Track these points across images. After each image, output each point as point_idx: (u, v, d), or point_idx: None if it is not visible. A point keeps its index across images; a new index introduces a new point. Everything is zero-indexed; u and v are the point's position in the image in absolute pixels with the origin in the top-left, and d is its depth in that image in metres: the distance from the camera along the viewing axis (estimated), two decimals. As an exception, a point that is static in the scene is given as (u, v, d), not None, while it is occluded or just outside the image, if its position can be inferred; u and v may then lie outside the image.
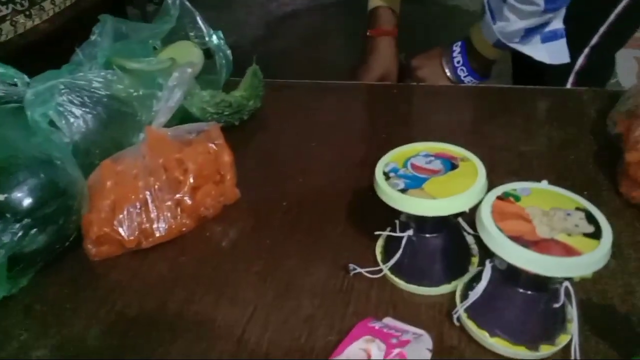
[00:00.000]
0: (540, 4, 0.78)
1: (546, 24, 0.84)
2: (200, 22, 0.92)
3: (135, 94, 0.70)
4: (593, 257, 0.42)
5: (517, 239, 0.44)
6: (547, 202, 0.48)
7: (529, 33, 0.83)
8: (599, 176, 0.68)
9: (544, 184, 0.50)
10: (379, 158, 0.57)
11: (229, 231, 0.66)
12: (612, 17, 0.92)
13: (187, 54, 0.94)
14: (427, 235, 0.54)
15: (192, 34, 0.94)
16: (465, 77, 0.95)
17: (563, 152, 0.73)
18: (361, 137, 0.80)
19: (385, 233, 0.57)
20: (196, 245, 0.64)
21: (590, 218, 0.46)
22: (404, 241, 0.55)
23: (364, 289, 0.57)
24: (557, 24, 0.85)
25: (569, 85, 0.98)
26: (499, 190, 0.49)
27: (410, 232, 0.54)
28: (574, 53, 0.93)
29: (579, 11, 0.88)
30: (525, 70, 0.99)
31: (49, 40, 1.33)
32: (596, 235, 0.44)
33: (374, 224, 0.61)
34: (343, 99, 0.91)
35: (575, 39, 0.92)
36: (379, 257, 0.59)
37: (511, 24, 0.82)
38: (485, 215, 0.46)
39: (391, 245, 0.57)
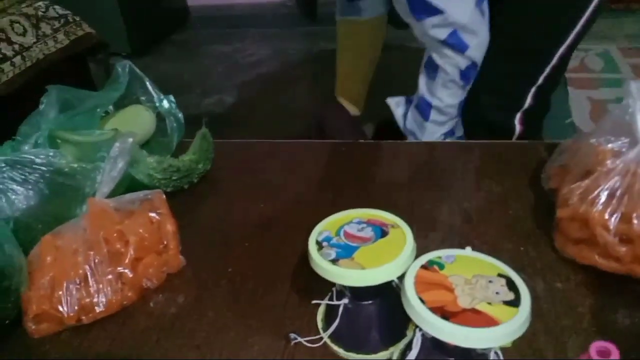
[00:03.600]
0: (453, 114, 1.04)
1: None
2: (150, 87, 0.94)
3: (78, 167, 0.71)
4: (510, 327, 0.43)
5: (438, 310, 0.45)
6: (470, 269, 0.49)
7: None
8: (536, 231, 0.70)
9: (468, 250, 0.51)
10: (323, 218, 0.58)
11: (172, 302, 0.65)
12: (555, 59, 0.97)
13: (139, 117, 0.95)
14: (363, 303, 0.55)
15: (143, 98, 0.96)
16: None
17: (502, 207, 0.75)
18: (308, 198, 0.81)
19: (323, 302, 0.58)
20: (138, 318, 0.64)
21: (511, 285, 0.47)
22: (340, 309, 0.55)
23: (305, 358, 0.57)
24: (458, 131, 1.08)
25: (517, 122, 1.04)
26: (424, 259, 0.50)
27: (346, 300, 0.55)
28: (523, 92, 1.00)
29: (528, 50, 0.97)
30: (473, 111, 1.05)
31: (9, 102, 1.33)
32: (515, 302, 0.45)
33: (317, 289, 0.61)
34: (292, 158, 0.93)
35: (524, 78, 1.00)
36: (320, 325, 0.60)
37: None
38: (408, 287, 0.47)
39: (331, 313, 0.58)
